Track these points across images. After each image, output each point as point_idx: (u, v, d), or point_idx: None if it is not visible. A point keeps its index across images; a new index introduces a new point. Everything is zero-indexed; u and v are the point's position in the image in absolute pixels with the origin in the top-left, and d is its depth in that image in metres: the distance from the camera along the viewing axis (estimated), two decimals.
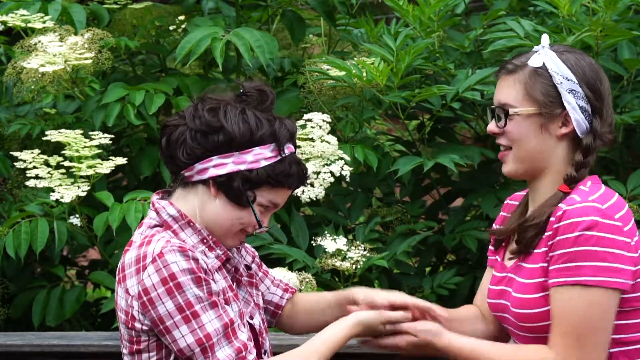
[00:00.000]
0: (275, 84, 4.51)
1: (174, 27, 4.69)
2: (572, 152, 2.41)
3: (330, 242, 3.74)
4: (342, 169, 3.80)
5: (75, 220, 3.87)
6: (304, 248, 3.90)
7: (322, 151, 3.78)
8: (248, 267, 2.48)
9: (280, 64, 4.55)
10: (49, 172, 3.80)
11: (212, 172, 2.30)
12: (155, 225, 2.34)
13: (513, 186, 4.15)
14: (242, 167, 2.29)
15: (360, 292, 2.57)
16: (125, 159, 3.91)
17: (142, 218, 3.65)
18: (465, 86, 3.92)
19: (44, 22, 4.22)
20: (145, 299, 2.24)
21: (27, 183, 3.80)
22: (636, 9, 4.15)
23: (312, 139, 3.80)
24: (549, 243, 2.34)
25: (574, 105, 2.37)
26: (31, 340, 3.33)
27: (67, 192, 3.72)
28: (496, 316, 2.53)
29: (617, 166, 4.29)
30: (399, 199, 4.42)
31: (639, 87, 4.14)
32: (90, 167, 3.78)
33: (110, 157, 3.87)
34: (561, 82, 2.37)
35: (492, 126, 2.44)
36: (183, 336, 2.22)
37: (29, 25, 4.21)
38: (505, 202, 2.65)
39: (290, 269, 3.73)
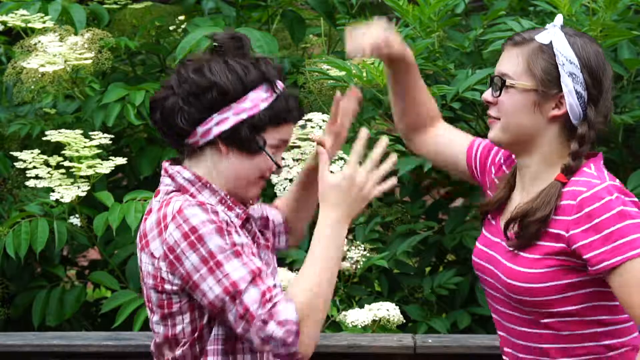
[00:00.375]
0: None
1: (174, 27, 4.69)
2: (562, 136, 2.38)
3: None
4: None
5: (75, 220, 3.87)
6: (304, 248, 3.90)
7: None
8: (262, 233, 2.46)
9: (280, 64, 4.55)
10: (49, 172, 3.80)
11: (216, 130, 2.27)
12: (172, 191, 2.30)
13: None
14: (244, 116, 2.27)
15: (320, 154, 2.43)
16: (125, 159, 3.91)
17: (142, 218, 3.66)
18: (465, 86, 3.92)
19: (44, 22, 4.22)
20: (171, 257, 2.21)
21: (27, 183, 3.80)
22: (636, 9, 4.15)
23: (312, 139, 3.81)
24: (571, 233, 2.31)
25: (571, 89, 2.35)
26: (31, 340, 3.33)
27: (67, 192, 3.73)
28: (479, 276, 2.51)
29: (617, 166, 4.29)
30: (399, 199, 4.42)
31: (639, 87, 4.14)
32: (90, 167, 3.78)
33: (110, 157, 3.88)
34: (563, 64, 2.35)
35: (487, 94, 2.41)
36: (211, 288, 2.18)
37: (29, 25, 4.22)
38: (498, 156, 2.61)
39: (291, 269, 3.73)
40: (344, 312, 3.58)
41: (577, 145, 2.36)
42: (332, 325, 3.64)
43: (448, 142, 2.66)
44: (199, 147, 2.30)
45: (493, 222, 2.50)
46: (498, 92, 2.38)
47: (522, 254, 2.38)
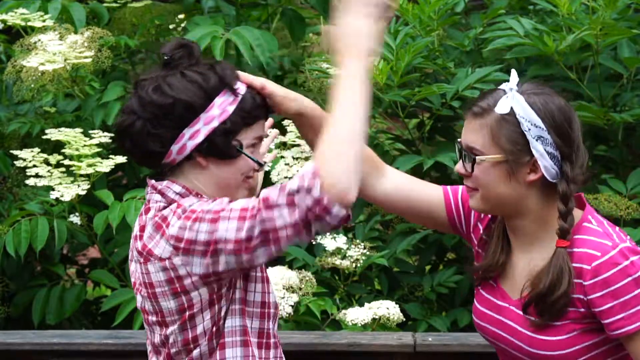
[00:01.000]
0: (276, 82, 4.51)
1: (174, 25, 4.69)
2: (545, 195, 2.33)
3: (330, 241, 3.74)
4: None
5: (75, 218, 3.87)
6: (304, 246, 3.90)
7: None
8: None
9: (280, 63, 4.55)
10: (48, 171, 3.80)
11: (191, 145, 2.23)
12: (164, 207, 2.25)
13: None
14: (215, 124, 2.22)
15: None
16: (125, 157, 3.91)
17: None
18: (465, 85, 3.93)
19: (43, 21, 4.22)
20: (182, 245, 2.16)
21: (27, 182, 3.80)
22: (636, 8, 4.15)
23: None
24: (589, 298, 2.28)
25: (542, 152, 2.28)
26: (31, 339, 3.33)
27: (67, 191, 3.73)
28: (488, 340, 2.46)
29: (616, 165, 4.29)
30: None
31: (638, 86, 4.14)
32: (90, 165, 3.78)
33: (110, 156, 3.88)
34: (529, 129, 2.28)
35: (459, 167, 2.35)
36: (228, 230, 2.12)
37: (29, 23, 4.22)
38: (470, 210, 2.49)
39: (290, 267, 3.74)
40: (344, 311, 3.59)
41: (562, 206, 2.30)
42: (332, 323, 3.65)
43: (412, 189, 2.50)
44: (177, 165, 2.26)
45: (494, 285, 2.44)
46: (470, 167, 2.31)
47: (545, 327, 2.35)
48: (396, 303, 3.59)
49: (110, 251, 4.03)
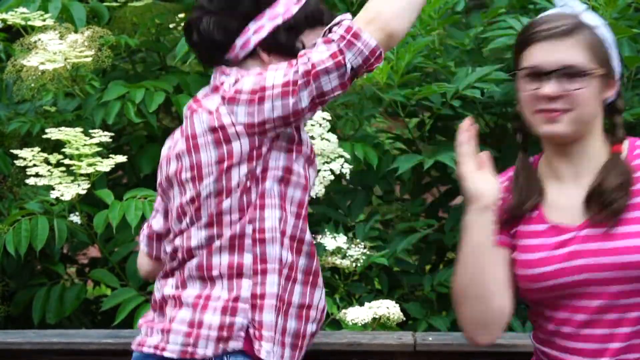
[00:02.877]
0: None
1: (174, 24, 4.68)
2: (603, 115, 2.41)
3: (331, 240, 3.74)
4: (342, 167, 3.80)
5: (75, 218, 3.87)
6: None
7: (322, 149, 3.78)
8: None
9: None
10: (49, 170, 3.80)
11: (256, 39, 2.30)
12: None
13: None
14: (279, 20, 2.29)
15: None
16: (126, 156, 3.91)
17: (142, 216, 3.66)
18: (466, 84, 3.93)
19: (44, 20, 4.22)
20: (229, 95, 2.24)
21: (27, 181, 3.80)
22: (636, 7, 4.15)
23: (312, 137, 3.80)
24: None
25: (618, 69, 2.39)
26: (31, 338, 3.33)
27: (67, 190, 3.73)
28: (556, 285, 2.37)
29: None
30: (399, 196, 4.42)
31: (639, 85, 4.14)
32: (90, 165, 3.78)
33: (111, 155, 3.88)
34: (609, 45, 2.37)
35: (552, 89, 2.33)
36: (275, 77, 2.22)
37: (29, 23, 4.21)
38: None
39: None
40: (344, 310, 3.59)
41: (621, 117, 2.42)
42: (332, 323, 3.65)
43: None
44: (239, 61, 2.32)
45: (543, 227, 2.41)
46: (575, 84, 2.33)
47: (618, 230, 2.33)
48: (396, 302, 3.59)
49: (111, 250, 4.03)
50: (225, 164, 2.25)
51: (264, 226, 2.27)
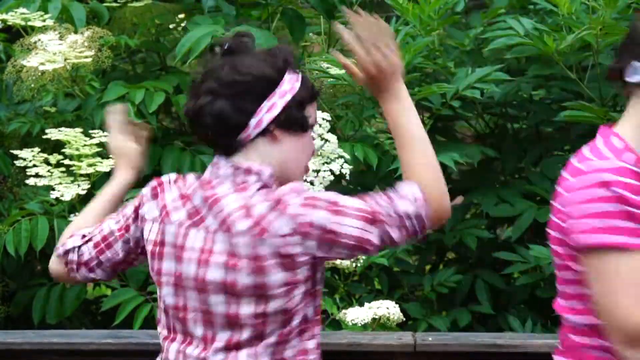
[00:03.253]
0: None
1: (174, 25, 4.69)
2: None
3: None
4: (342, 167, 3.80)
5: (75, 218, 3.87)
6: None
7: (322, 149, 3.78)
8: None
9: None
10: (49, 171, 3.80)
11: (268, 117, 2.31)
12: (264, 186, 2.31)
13: (513, 184, 4.15)
14: (289, 97, 2.32)
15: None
16: None
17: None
18: (465, 84, 3.93)
19: (43, 21, 4.22)
20: (301, 226, 2.24)
21: (27, 181, 3.80)
22: (636, 7, 4.15)
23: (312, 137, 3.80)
24: None
25: None
26: (31, 338, 3.33)
27: (67, 190, 3.73)
28: None
29: None
30: None
31: None
32: (90, 165, 3.78)
33: (110, 156, 3.87)
34: None
35: None
36: (351, 226, 2.24)
37: (29, 23, 4.22)
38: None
39: None
40: (344, 311, 3.59)
41: None
42: (332, 323, 3.65)
43: None
44: (250, 141, 2.32)
45: None
46: None
47: None
48: (396, 303, 3.59)
49: None
50: (290, 287, 2.27)
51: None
